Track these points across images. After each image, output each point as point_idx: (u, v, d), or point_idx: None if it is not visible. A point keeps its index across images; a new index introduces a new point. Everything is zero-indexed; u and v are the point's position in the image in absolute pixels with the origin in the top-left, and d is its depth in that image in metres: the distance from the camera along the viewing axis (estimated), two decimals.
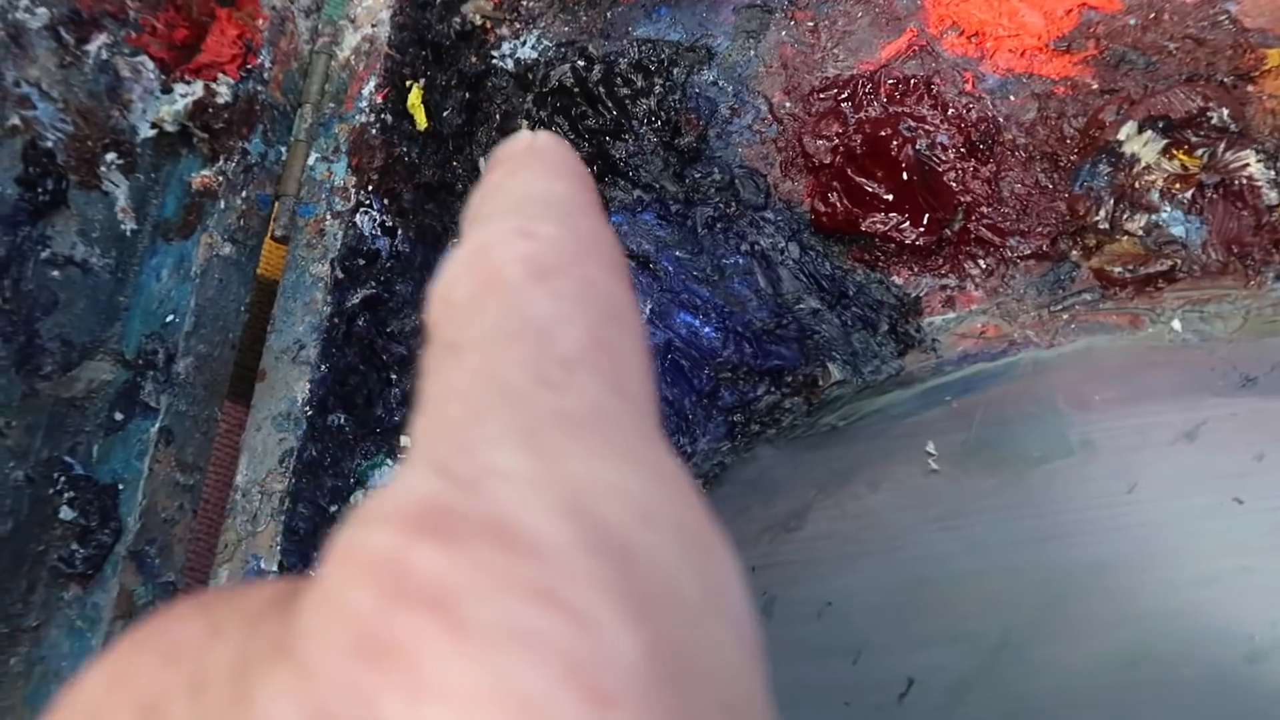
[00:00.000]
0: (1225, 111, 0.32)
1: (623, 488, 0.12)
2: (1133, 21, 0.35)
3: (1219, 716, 0.29)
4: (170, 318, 0.35)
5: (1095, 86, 0.35)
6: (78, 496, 0.34)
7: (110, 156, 0.33)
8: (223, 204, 0.36)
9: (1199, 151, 0.33)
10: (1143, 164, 0.33)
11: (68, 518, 0.33)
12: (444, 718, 0.09)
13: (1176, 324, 0.32)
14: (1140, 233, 0.33)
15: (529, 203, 0.21)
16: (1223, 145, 0.32)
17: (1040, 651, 0.31)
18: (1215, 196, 0.33)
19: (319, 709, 0.09)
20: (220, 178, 0.35)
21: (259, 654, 0.11)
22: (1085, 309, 0.33)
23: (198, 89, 0.34)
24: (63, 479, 0.33)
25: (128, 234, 0.34)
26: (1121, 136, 0.33)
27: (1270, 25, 0.34)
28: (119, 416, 0.35)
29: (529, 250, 0.18)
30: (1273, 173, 0.32)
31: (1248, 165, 0.32)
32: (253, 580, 0.34)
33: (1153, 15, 0.35)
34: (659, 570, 0.11)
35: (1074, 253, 0.34)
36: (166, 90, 0.35)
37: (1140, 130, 0.33)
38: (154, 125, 0.34)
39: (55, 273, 0.32)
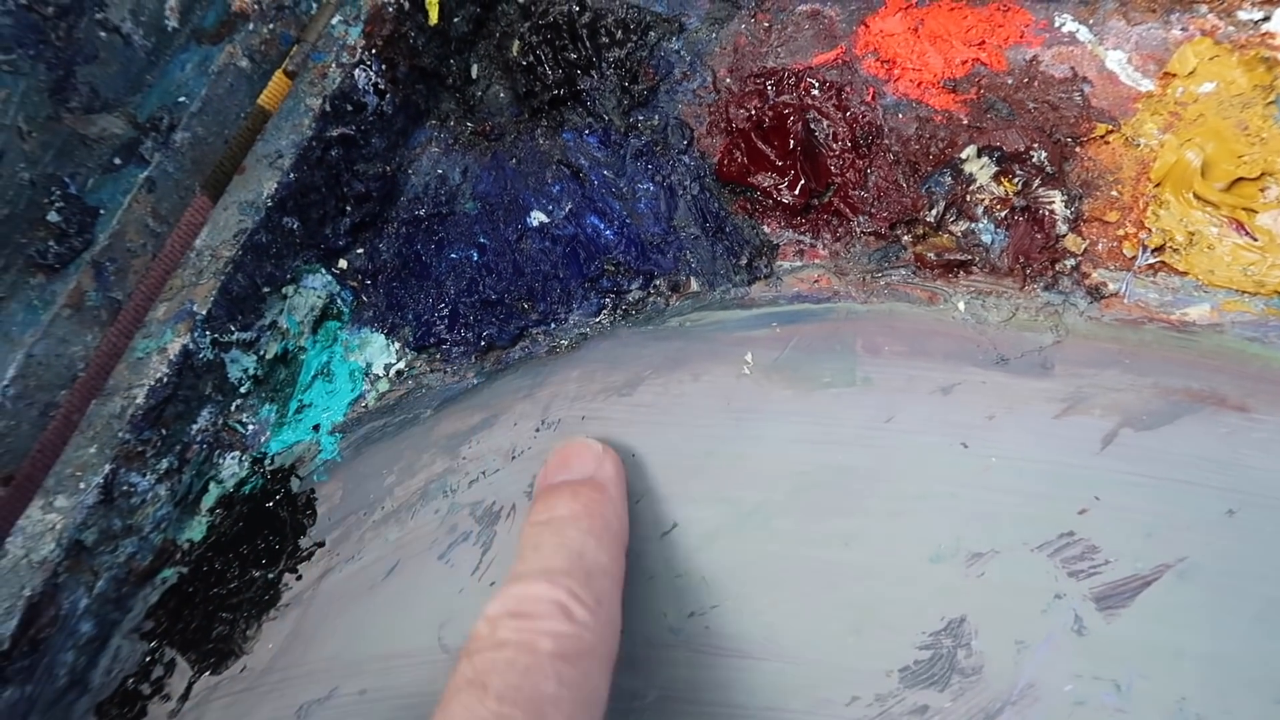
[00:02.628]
0: (1044, 155, 0.43)
1: None
2: (1009, 81, 0.47)
3: (896, 595, 0.38)
4: (183, 99, 0.48)
5: (965, 122, 0.47)
6: (66, 208, 0.45)
7: None
8: (252, 27, 0.49)
9: (1018, 180, 0.44)
10: (977, 183, 0.44)
11: (53, 220, 0.45)
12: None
13: (961, 306, 0.42)
14: (959, 233, 0.44)
15: (579, 570, 0.32)
16: (1038, 181, 0.43)
17: (780, 523, 0.40)
18: (1020, 218, 0.43)
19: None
20: (257, 6, 0.49)
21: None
22: (899, 280, 0.44)
23: None
24: (58, 193, 0.45)
25: (169, 29, 0.47)
26: (964, 156, 0.44)
27: (1110, 108, 0.45)
28: (117, 161, 0.47)
29: (563, 633, 0.31)
30: (1069, 211, 0.43)
31: (1053, 201, 0.43)
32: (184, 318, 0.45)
33: (1026, 79, 0.46)
34: None
35: (905, 238, 0.44)
36: None
37: (979, 155, 0.44)
38: None
39: (103, 34, 0.45)
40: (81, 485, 0.40)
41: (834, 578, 0.37)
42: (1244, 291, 0.39)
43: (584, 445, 0.38)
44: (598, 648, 0.30)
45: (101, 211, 0.45)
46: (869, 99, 0.47)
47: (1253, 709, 0.32)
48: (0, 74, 0.40)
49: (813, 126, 0.46)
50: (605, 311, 0.45)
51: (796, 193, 0.45)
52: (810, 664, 0.36)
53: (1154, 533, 0.36)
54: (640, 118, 0.49)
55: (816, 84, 0.47)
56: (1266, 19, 0.44)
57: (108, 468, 0.40)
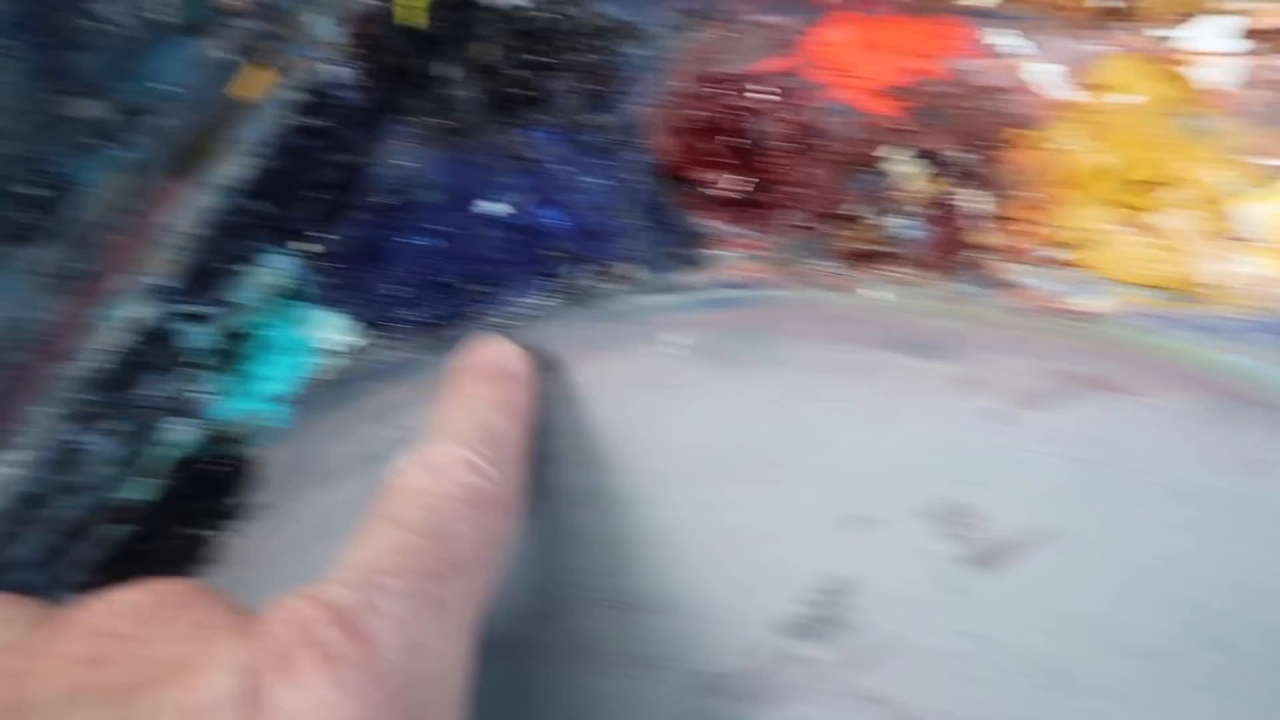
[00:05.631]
0: (970, 158, 0.50)
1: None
2: (947, 89, 0.54)
3: (791, 558, 0.44)
4: (164, 87, 0.55)
5: (902, 126, 0.53)
6: (44, 183, 0.52)
7: None
8: (235, 21, 0.57)
9: (944, 180, 0.50)
10: (906, 182, 0.51)
11: (31, 193, 0.52)
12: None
13: (882, 295, 0.49)
14: (886, 227, 0.50)
15: (488, 438, 0.39)
16: (963, 182, 0.50)
17: (691, 491, 0.46)
18: (943, 215, 0.49)
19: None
20: (240, 1, 0.57)
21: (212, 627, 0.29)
22: (825, 270, 0.50)
23: None
24: (39, 169, 0.52)
25: (155, 20, 0.55)
26: (894, 157, 0.51)
27: (1037, 116, 0.52)
28: (98, 142, 0.54)
29: (471, 484, 0.38)
30: (990, 211, 0.49)
31: (976, 201, 0.49)
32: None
33: (962, 88, 0.53)
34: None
35: (835, 231, 0.51)
36: None
37: (909, 157, 0.51)
38: None
39: (91, 22, 0.52)
40: (35, 443, 0.46)
41: (736, 542, 0.43)
42: (1140, 285, 0.45)
43: (497, 339, 0.44)
44: (507, 505, 0.35)
45: (79, 188, 0.53)
46: (810, 103, 0.54)
47: (1116, 666, 0.38)
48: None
49: (754, 128, 0.53)
50: (551, 295, 0.52)
51: (735, 188, 0.52)
52: (710, 618, 0.42)
53: (1037, 503, 0.41)
54: (598, 118, 0.56)
55: (762, 89, 0.54)
56: (1178, 35, 0.51)
57: (65, 427, 0.47)
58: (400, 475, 0.35)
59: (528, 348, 0.45)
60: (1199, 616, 0.36)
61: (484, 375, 0.43)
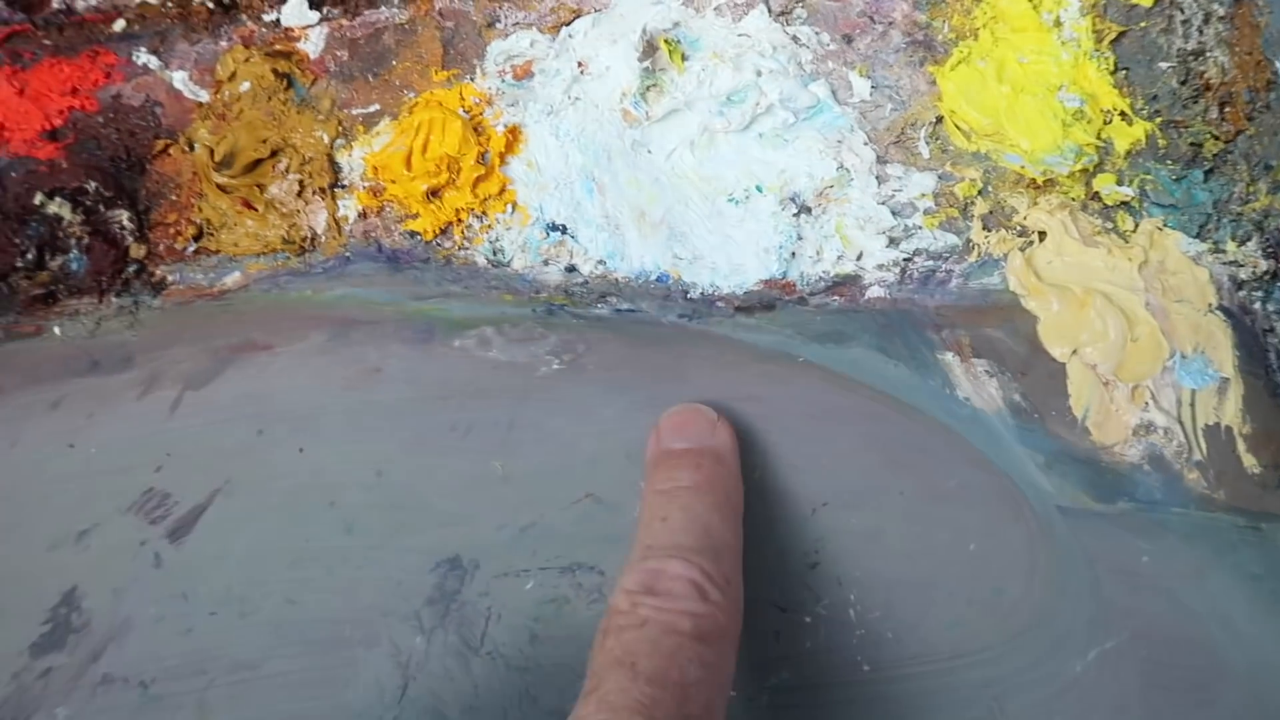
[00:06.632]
0: (95, 184, 0.56)
1: None
2: (99, 119, 0.59)
3: (21, 586, 0.50)
4: None
5: (65, 166, 0.59)
6: None
7: None
8: None
9: (88, 209, 0.56)
10: (64, 220, 0.56)
11: None
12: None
13: (57, 330, 0.54)
14: (55, 268, 0.56)
15: (709, 548, 0.37)
16: (102, 205, 0.56)
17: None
18: (95, 241, 0.56)
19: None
20: None
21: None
22: (10, 323, 0.55)
23: None
24: None
25: None
26: (39, 201, 0.56)
27: (175, 123, 0.59)
28: None
29: (700, 613, 0.34)
30: (133, 225, 0.56)
31: (120, 219, 0.56)
32: None
33: (112, 114, 0.59)
34: None
35: (14, 284, 0.56)
36: None
37: (52, 196, 0.56)
38: None
39: None
40: None
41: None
42: (258, 253, 0.53)
43: (698, 411, 0.43)
44: (729, 629, 0.35)
45: None
46: None
47: (275, 582, 0.47)
48: None
49: None
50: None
51: None
52: None
53: (206, 468, 0.49)
54: None
55: None
56: (279, 17, 0.59)
57: None
58: (627, 598, 0.35)
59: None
60: (335, 514, 0.46)
61: (695, 464, 0.41)
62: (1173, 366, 0.46)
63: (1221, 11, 0.47)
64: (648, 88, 0.50)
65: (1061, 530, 0.45)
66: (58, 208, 0.53)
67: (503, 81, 0.52)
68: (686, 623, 0.34)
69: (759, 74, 0.49)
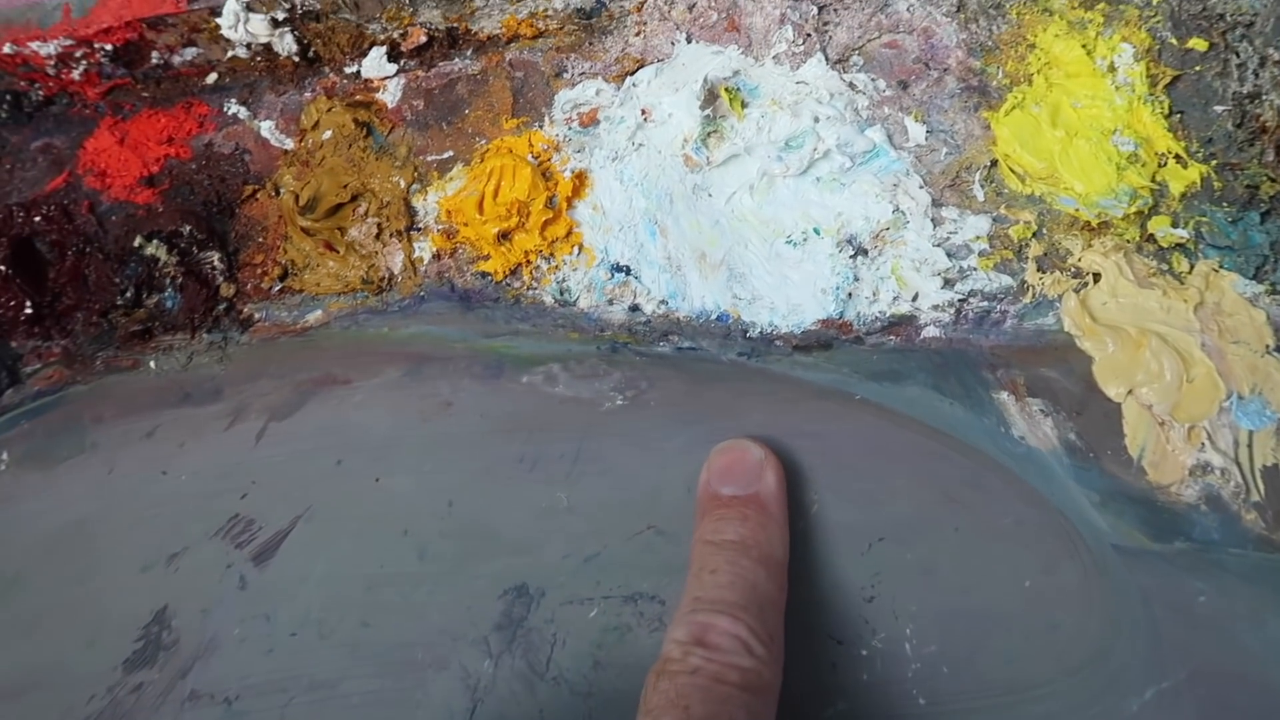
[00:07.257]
0: (189, 228, 0.60)
1: None
2: (193, 166, 0.64)
3: (117, 604, 0.53)
4: None
5: (160, 210, 0.63)
6: None
7: None
8: None
9: (182, 251, 0.60)
10: (160, 261, 0.61)
11: None
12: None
13: (152, 364, 0.59)
14: (151, 305, 0.60)
15: (754, 604, 0.39)
16: (195, 247, 0.60)
17: (38, 580, 0.55)
18: (189, 281, 0.60)
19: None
20: None
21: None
22: (110, 357, 0.60)
23: None
24: None
25: None
26: (138, 244, 0.61)
27: (263, 170, 0.63)
28: None
29: (746, 667, 0.37)
30: (224, 265, 0.60)
31: (212, 260, 0.60)
32: None
33: (204, 161, 0.63)
34: None
35: (113, 320, 0.61)
36: None
37: (150, 239, 0.61)
38: None
39: None
40: None
41: (74, 614, 0.53)
42: (339, 292, 0.57)
43: (746, 452, 0.44)
44: (773, 682, 0.37)
45: None
46: (85, 210, 0.63)
47: (352, 605, 0.50)
48: None
49: (39, 246, 0.62)
50: None
51: (27, 307, 0.60)
52: (52, 678, 0.51)
53: (289, 495, 0.53)
54: None
55: (42, 209, 0.63)
56: (359, 69, 0.63)
57: None
58: (679, 648, 0.37)
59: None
60: (409, 542, 0.49)
61: (741, 516, 0.43)
62: (1230, 407, 0.46)
63: (1278, 56, 0.48)
64: (709, 134, 0.53)
65: (1117, 568, 0.46)
66: (155, 249, 0.57)
67: (570, 129, 0.55)
68: (734, 675, 0.36)
69: (816, 120, 0.51)
